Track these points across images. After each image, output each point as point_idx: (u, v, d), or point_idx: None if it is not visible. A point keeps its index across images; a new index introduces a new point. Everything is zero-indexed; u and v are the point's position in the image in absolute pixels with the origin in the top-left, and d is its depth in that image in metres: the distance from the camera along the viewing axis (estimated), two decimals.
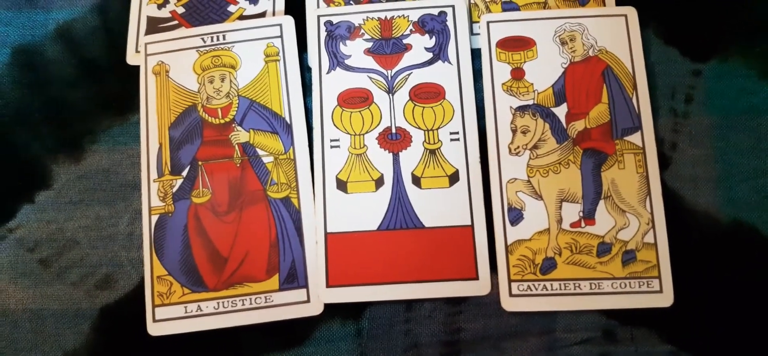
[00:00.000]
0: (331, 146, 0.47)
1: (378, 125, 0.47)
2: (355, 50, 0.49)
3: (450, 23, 0.49)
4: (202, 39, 0.49)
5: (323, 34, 0.49)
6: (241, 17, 0.50)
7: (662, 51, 0.48)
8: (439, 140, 0.46)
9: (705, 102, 0.47)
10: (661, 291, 0.43)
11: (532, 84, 0.47)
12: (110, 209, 0.47)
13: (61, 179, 0.48)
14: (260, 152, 0.47)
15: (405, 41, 0.49)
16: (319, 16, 0.50)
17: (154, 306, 0.44)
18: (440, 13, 0.49)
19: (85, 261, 0.46)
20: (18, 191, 0.48)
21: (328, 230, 0.45)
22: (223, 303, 0.44)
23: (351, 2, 0.51)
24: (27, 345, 0.45)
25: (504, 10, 0.49)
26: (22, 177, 0.48)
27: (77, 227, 0.47)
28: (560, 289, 0.43)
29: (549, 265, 0.44)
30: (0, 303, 0.45)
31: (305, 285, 0.44)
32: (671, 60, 0.48)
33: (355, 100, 0.47)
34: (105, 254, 0.46)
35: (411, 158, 0.46)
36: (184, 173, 0.46)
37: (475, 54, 0.48)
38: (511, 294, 0.43)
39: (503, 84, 0.47)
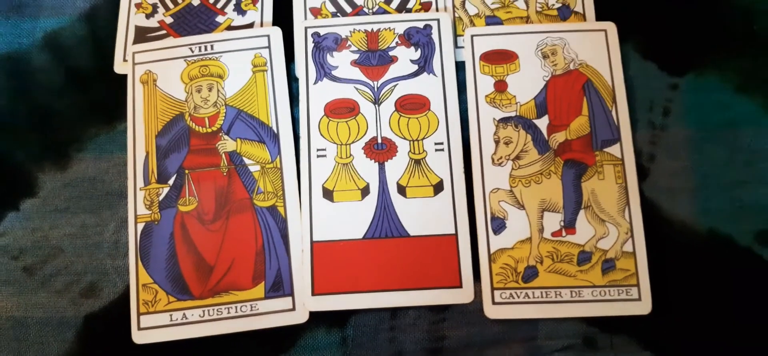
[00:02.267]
0: (318, 156, 0.47)
1: (364, 135, 0.48)
2: (341, 61, 0.49)
3: (435, 36, 0.50)
4: (190, 49, 0.49)
5: (310, 45, 0.50)
6: (229, 28, 0.51)
7: (640, 65, 0.50)
8: (424, 151, 0.47)
9: (682, 115, 0.49)
10: (639, 299, 0.44)
11: (515, 96, 0.48)
12: (96, 218, 0.47)
13: (47, 186, 0.48)
14: (247, 161, 0.47)
15: (391, 53, 0.50)
16: (306, 28, 0.50)
17: (139, 314, 0.44)
18: (425, 26, 0.50)
19: (70, 269, 0.46)
20: (3, 199, 0.48)
21: (314, 239, 0.45)
22: (208, 311, 0.44)
23: (338, 14, 0.51)
24: (10, 353, 0.44)
25: (487, 24, 0.51)
26: (7, 185, 0.48)
27: (62, 235, 0.47)
28: (542, 297, 0.44)
29: (531, 273, 0.44)
30: None
31: (291, 293, 0.44)
32: (649, 74, 0.49)
33: (341, 110, 0.48)
34: (90, 262, 0.46)
35: (396, 167, 0.47)
36: (171, 182, 0.47)
37: (460, 66, 0.49)
38: (494, 302, 0.44)
39: (487, 96, 0.48)
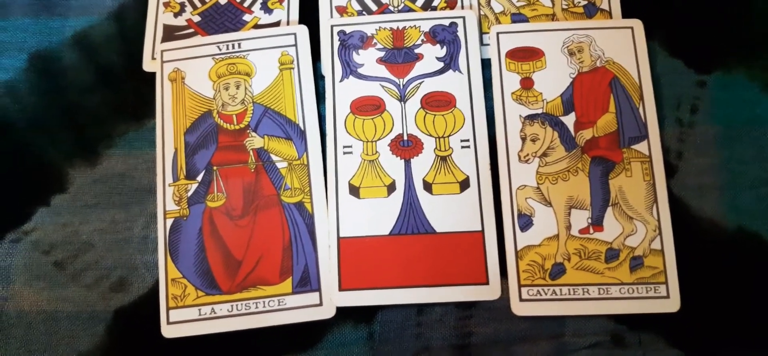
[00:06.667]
0: (344, 152, 0.47)
1: (390, 132, 0.48)
2: (367, 59, 0.50)
3: (461, 34, 0.50)
4: (218, 47, 0.50)
5: (336, 43, 0.50)
6: (256, 26, 0.52)
7: (668, 63, 0.50)
8: (450, 147, 0.47)
9: (710, 113, 0.48)
10: (668, 297, 0.43)
11: (541, 93, 0.48)
12: (125, 213, 0.48)
13: (77, 182, 0.48)
14: (274, 158, 0.47)
15: (416, 51, 0.50)
16: (332, 26, 0.51)
17: (168, 309, 0.45)
18: (451, 23, 0.50)
19: (100, 264, 0.47)
20: (34, 195, 0.48)
21: (341, 235, 0.46)
22: (236, 305, 0.44)
23: (364, 13, 0.52)
24: (41, 346, 0.45)
25: (513, 21, 0.51)
26: (38, 181, 0.49)
27: (92, 231, 0.47)
28: (569, 294, 0.44)
29: (558, 270, 0.44)
30: (15, 304, 0.46)
31: (318, 289, 0.45)
32: (676, 71, 0.49)
33: (367, 107, 0.48)
34: (120, 257, 0.47)
35: (422, 164, 0.47)
36: (199, 178, 0.47)
37: (485, 64, 0.49)
38: (520, 299, 0.44)
39: (513, 93, 0.48)
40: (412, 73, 0.49)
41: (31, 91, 0.51)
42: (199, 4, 0.53)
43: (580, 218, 0.45)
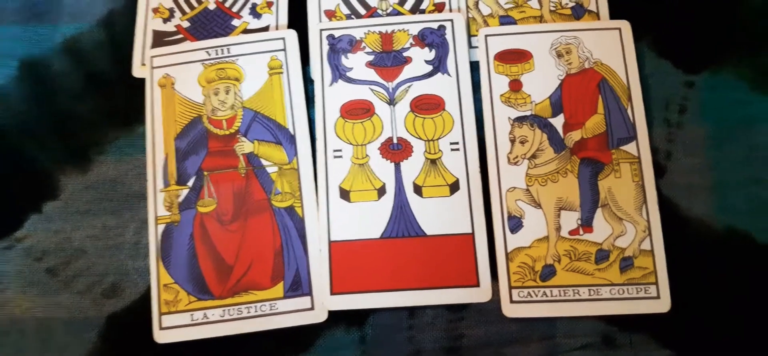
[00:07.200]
0: (334, 156, 0.47)
1: (380, 135, 0.48)
2: (356, 63, 0.50)
3: (449, 37, 0.50)
4: (207, 52, 0.50)
5: (325, 47, 0.50)
6: (245, 31, 0.52)
7: (656, 63, 0.50)
8: (439, 150, 0.47)
9: (698, 113, 0.48)
10: (658, 297, 0.44)
11: (530, 95, 0.48)
12: (117, 219, 0.48)
13: (69, 189, 0.49)
14: (264, 162, 0.47)
15: (405, 54, 0.50)
16: (321, 30, 0.51)
17: (160, 314, 0.45)
18: (439, 26, 0.50)
19: (92, 270, 0.47)
20: (26, 202, 0.48)
21: (332, 239, 0.46)
22: (228, 310, 0.45)
23: (352, 16, 0.52)
24: (34, 353, 0.45)
25: (501, 23, 0.51)
26: (29, 188, 0.49)
27: (84, 237, 0.47)
28: (560, 295, 0.44)
29: (548, 272, 0.44)
30: (7, 311, 0.46)
31: (309, 293, 0.45)
32: (664, 72, 0.49)
33: (357, 111, 0.48)
34: (112, 263, 0.47)
35: (412, 167, 0.47)
36: (190, 183, 0.47)
37: (474, 66, 0.49)
38: (511, 301, 0.44)
39: (501, 95, 0.48)
40: (401, 77, 0.49)
41: (21, 98, 0.51)
42: (188, 10, 0.53)
43: (570, 220, 0.45)
